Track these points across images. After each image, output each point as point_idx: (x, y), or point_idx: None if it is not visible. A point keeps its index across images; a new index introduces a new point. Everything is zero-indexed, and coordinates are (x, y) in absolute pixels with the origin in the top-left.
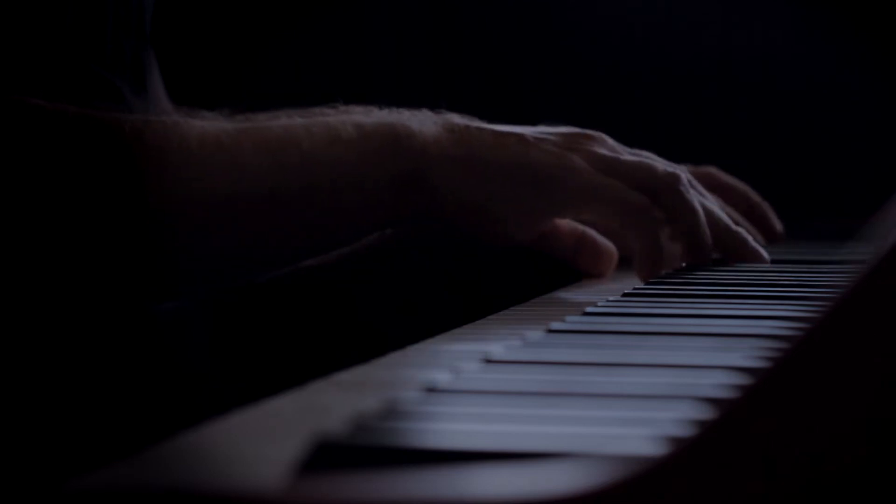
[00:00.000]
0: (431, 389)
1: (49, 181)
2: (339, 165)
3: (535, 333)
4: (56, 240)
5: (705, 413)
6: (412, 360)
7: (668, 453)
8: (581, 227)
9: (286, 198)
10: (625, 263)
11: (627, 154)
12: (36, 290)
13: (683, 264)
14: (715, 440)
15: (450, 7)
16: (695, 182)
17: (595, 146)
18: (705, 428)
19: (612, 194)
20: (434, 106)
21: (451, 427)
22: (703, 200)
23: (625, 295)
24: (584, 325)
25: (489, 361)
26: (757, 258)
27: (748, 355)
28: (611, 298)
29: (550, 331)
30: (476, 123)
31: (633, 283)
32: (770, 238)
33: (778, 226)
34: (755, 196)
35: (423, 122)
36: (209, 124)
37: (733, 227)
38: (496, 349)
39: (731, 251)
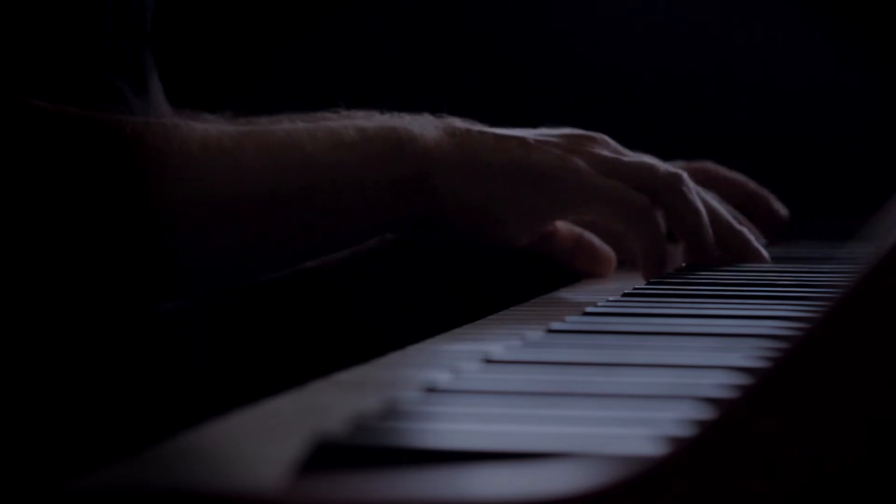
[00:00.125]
0: (431, 389)
1: (50, 182)
2: (340, 168)
3: (535, 333)
4: (56, 240)
5: (705, 413)
6: (412, 360)
7: (668, 453)
8: (579, 230)
9: (287, 200)
10: (624, 264)
11: (628, 155)
12: (36, 290)
13: (683, 264)
14: (715, 440)
15: (450, 7)
16: (697, 188)
17: (596, 148)
18: (705, 428)
19: (614, 195)
20: (434, 107)
21: (451, 427)
22: (707, 198)
23: (625, 295)
24: (584, 325)
25: (489, 361)
26: (758, 258)
27: (748, 355)
28: (611, 298)
29: (550, 331)
30: (477, 127)
31: (633, 283)
32: (776, 223)
33: (782, 210)
34: (754, 185)
35: (424, 125)
36: (211, 127)
37: (736, 225)
38: (496, 349)
39: (733, 250)
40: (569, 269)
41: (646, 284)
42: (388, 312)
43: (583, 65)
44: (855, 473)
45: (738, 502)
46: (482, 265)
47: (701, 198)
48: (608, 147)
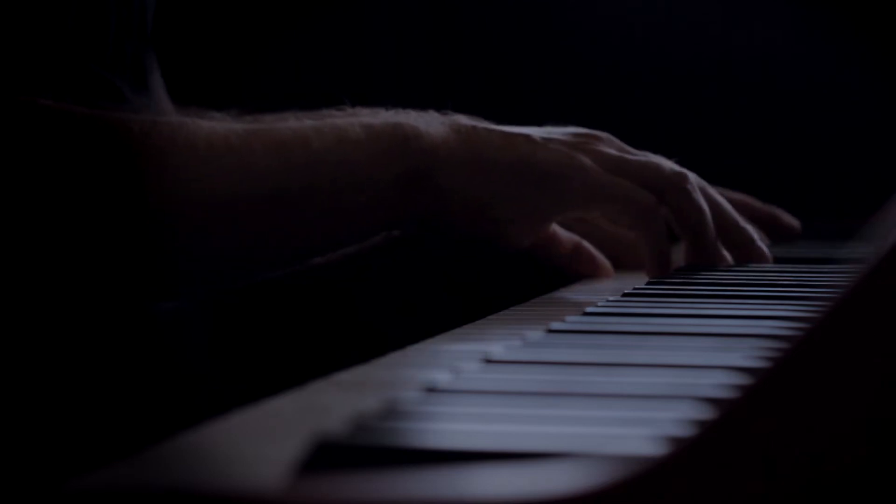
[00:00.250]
0: (431, 389)
1: (57, 182)
2: (345, 166)
3: (535, 333)
4: (59, 240)
5: (705, 413)
6: (412, 360)
7: (668, 453)
8: (577, 237)
9: (289, 199)
10: (623, 265)
11: (634, 154)
12: (36, 289)
13: (683, 264)
14: (715, 440)
15: (450, 7)
16: (703, 182)
17: (602, 146)
18: (705, 428)
19: (620, 193)
20: (436, 106)
21: (451, 427)
22: (714, 196)
23: (625, 295)
24: (584, 325)
25: (489, 361)
26: (762, 258)
27: (748, 355)
28: (611, 298)
29: (550, 331)
30: (483, 124)
31: (633, 283)
32: (789, 235)
33: (794, 222)
34: (758, 203)
35: (430, 122)
36: (218, 125)
37: (742, 222)
38: (496, 349)
39: (738, 247)
40: (567, 273)
41: (646, 284)
42: (388, 312)
43: (583, 65)
44: (855, 473)
45: (738, 502)
46: (482, 265)
47: (708, 194)
48: (614, 145)
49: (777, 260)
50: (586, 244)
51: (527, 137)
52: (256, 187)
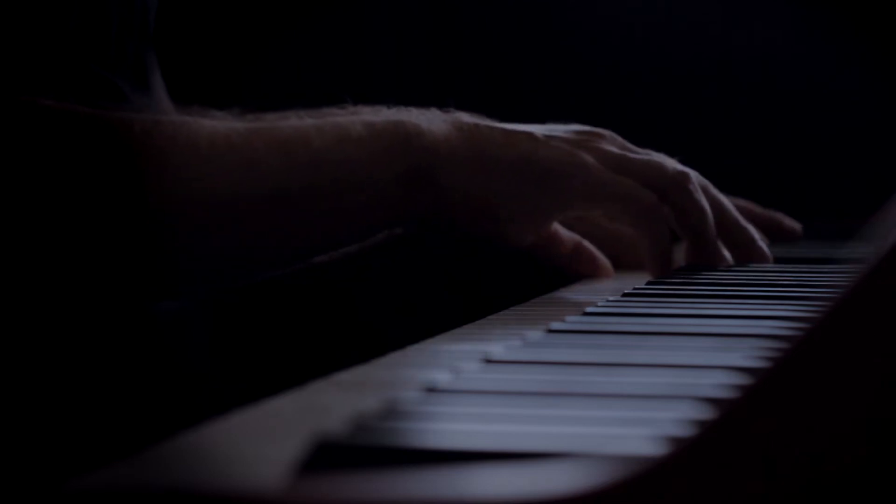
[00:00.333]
0: (431, 389)
1: (58, 181)
2: (346, 165)
3: (535, 333)
4: (63, 240)
5: (705, 413)
6: (412, 360)
7: (668, 453)
8: (578, 237)
9: (290, 199)
10: (623, 266)
11: (637, 152)
12: (37, 289)
13: (684, 263)
14: (715, 440)
15: (450, 7)
16: (705, 181)
17: (604, 144)
18: (705, 428)
19: (622, 191)
20: (436, 106)
21: (451, 427)
22: (716, 195)
23: (625, 295)
24: (584, 325)
25: (489, 361)
26: (763, 258)
27: (748, 355)
28: (611, 298)
29: (550, 331)
30: (485, 122)
31: (633, 283)
32: (793, 239)
33: (795, 225)
34: (759, 209)
35: (432, 120)
36: (219, 124)
37: (743, 222)
38: (496, 349)
39: (739, 247)
40: (568, 272)
41: (646, 284)
42: (388, 312)
43: (583, 65)
44: (855, 473)
45: (738, 502)
46: (482, 265)
47: (710, 193)
48: (616, 143)
49: (777, 260)
50: (587, 244)
51: (529, 135)
52: (258, 186)
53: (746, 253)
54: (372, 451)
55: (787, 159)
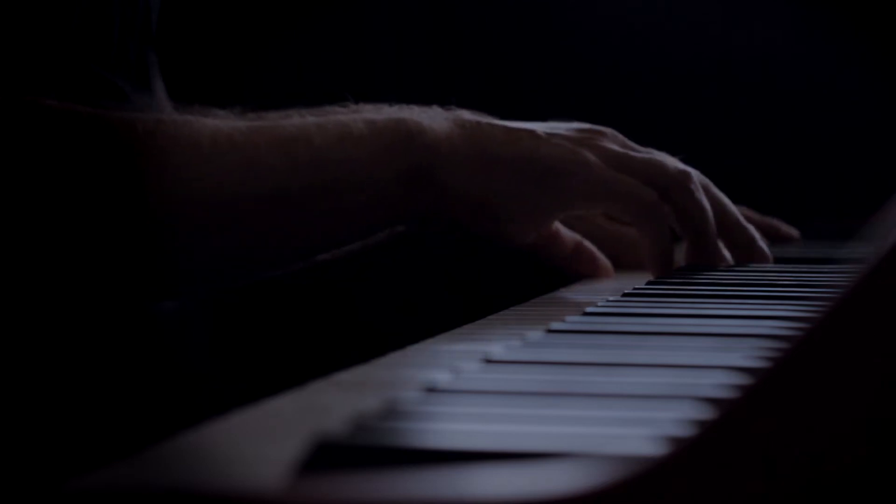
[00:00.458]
0: (431, 389)
1: (60, 181)
2: (347, 164)
3: (535, 333)
4: (65, 239)
5: (705, 413)
6: (412, 360)
7: (668, 453)
8: (579, 236)
9: (291, 198)
10: (623, 265)
11: (638, 151)
12: (37, 289)
13: (684, 263)
14: (715, 440)
15: (450, 7)
16: (706, 180)
17: (606, 142)
18: (705, 428)
19: (624, 190)
20: (439, 105)
21: (451, 427)
22: (717, 195)
23: (625, 295)
24: (584, 325)
25: (489, 361)
26: (763, 258)
27: (748, 355)
28: (611, 298)
29: (550, 331)
30: (487, 119)
31: (633, 283)
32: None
33: (793, 232)
34: (757, 215)
35: (433, 118)
36: (222, 122)
37: (744, 222)
38: (496, 349)
39: (739, 246)
40: (568, 272)
41: (646, 284)
42: (388, 312)
43: (583, 65)
44: (855, 473)
45: (738, 502)
46: (482, 265)
47: (711, 193)
48: (617, 141)
49: (777, 260)
50: (587, 243)
51: (530, 133)
52: (259, 185)
53: (747, 253)
54: (372, 451)
55: (786, 159)
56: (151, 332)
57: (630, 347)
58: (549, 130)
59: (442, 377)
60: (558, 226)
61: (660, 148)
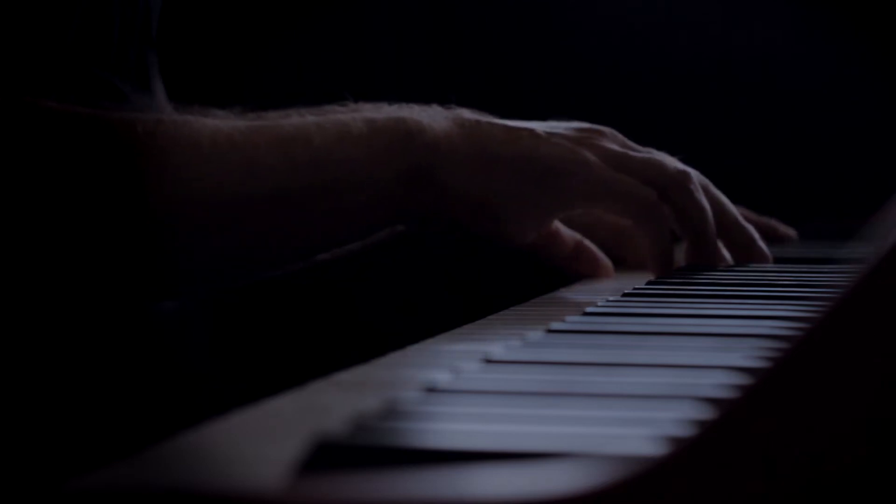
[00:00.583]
0: (431, 389)
1: (60, 181)
2: (347, 164)
3: (535, 333)
4: (65, 240)
5: (705, 413)
6: (412, 360)
7: (668, 453)
8: (579, 236)
9: (291, 199)
10: (623, 264)
11: (638, 150)
12: (37, 289)
13: (684, 263)
14: (715, 440)
15: (450, 7)
16: (706, 180)
17: (605, 141)
18: (705, 428)
19: (623, 189)
20: (439, 104)
21: (451, 427)
22: (717, 195)
23: (625, 295)
24: (584, 325)
25: (489, 361)
26: (763, 258)
27: (748, 355)
28: (611, 298)
29: (550, 331)
30: (486, 118)
31: (633, 283)
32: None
33: (790, 232)
34: (754, 215)
35: (433, 117)
36: (221, 122)
37: (743, 221)
38: (496, 349)
39: (739, 246)
40: (568, 272)
41: (646, 284)
42: (388, 312)
43: (583, 64)
44: (855, 473)
45: (738, 502)
46: (482, 265)
47: (710, 193)
48: (617, 141)
49: (777, 260)
50: (588, 243)
51: (530, 132)
52: (259, 185)
53: (746, 253)
54: (372, 451)
55: (786, 159)
56: (151, 332)
57: (630, 347)
58: (548, 130)
59: (442, 377)
60: (558, 225)
61: (660, 148)
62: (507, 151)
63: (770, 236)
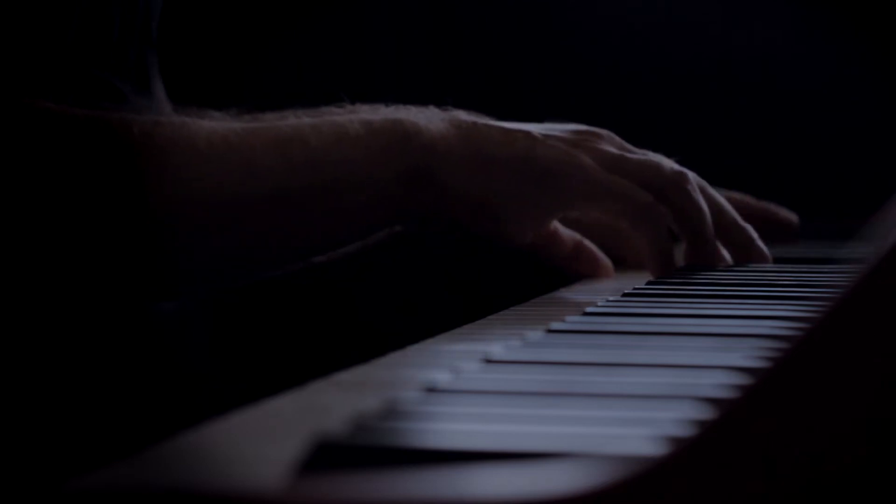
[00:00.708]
0: (431, 389)
1: (58, 183)
2: (344, 165)
3: (535, 333)
4: (63, 241)
5: (705, 413)
6: (412, 360)
7: (668, 453)
8: (579, 236)
9: (289, 199)
10: (623, 264)
11: (634, 152)
12: (37, 290)
13: (683, 264)
14: (715, 440)
15: (450, 7)
16: (703, 181)
17: (602, 144)
18: (705, 428)
19: (619, 192)
20: (437, 105)
21: (451, 427)
22: (714, 195)
23: (625, 295)
24: (584, 325)
25: (489, 361)
26: (762, 258)
27: (748, 355)
28: (611, 298)
29: (550, 331)
30: (483, 120)
31: (633, 283)
32: (789, 231)
33: (791, 217)
34: (753, 201)
35: (430, 118)
36: (218, 124)
37: (741, 221)
38: (496, 349)
39: (738, 246)
40: (568, 272)
41: (646, 284)
42: (388, 312)
43: (583, 65)
44: (855, 473)
45: (738, 502)
46: (482, 265)
47: (707, 193)
48: (614, 143)
49: (777, 260)
50: (587, 243)
51: (527, 134)
52: (257, 186)
53: (745, 252)
54: (372, 451)
55: (786, 159)
56: (151, 332)
57: (630, 347)
58: (544, 132)
59: (442, 377)
60: (557, 225)
61: (660, 147)
62: (504, 153)
63: (771, 220)
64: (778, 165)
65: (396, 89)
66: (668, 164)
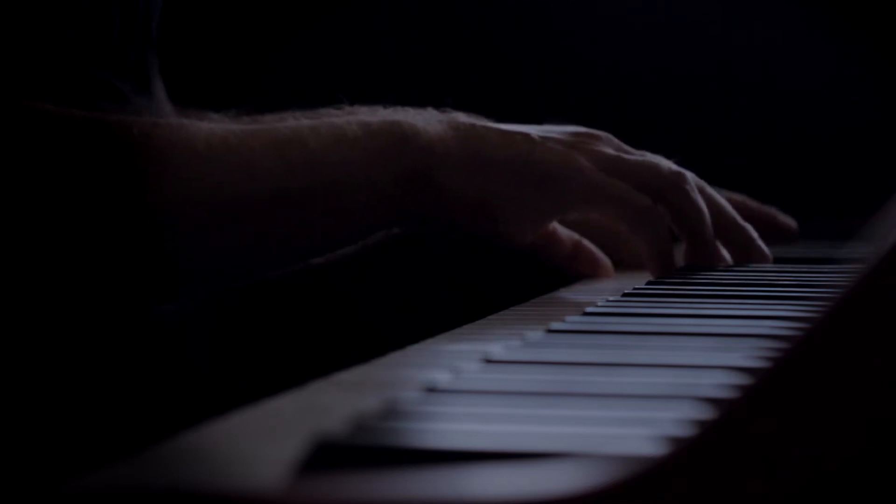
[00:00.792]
0: (431, 389)
1: (57, 184)
2: (343, 167)
3: (535, 333)
4: (63, 242)
5: (705, 413)
6: (412, 360)
7: (668, 453)
8: (578, 236)
9: (289, 199)
10: (623, 265)
11: (632, 154)
12: (37, 290)
13: (683, 264)
14: (715, 440)
15: (450, 7)
16: (702, 182)
17: (600, 146)
18: (705, 428)
19: (617, 194)
20: (436, 106)
21: (451, 427)
22: (713, 195)
23: (625, 295)
24: (584, 325)
25: (489, 361)
26: (762, 258)
27: (748, 355)
28: (611, 298)
29: (550, 331)
30: (481, 122)
31: (633, 283)
32: (787, 236)
33: (791, 222)
34: (754, 203)
35: (428, 120)
36: (217, 126)
37: (741, 221)
38: (496, 349)
39: (738, 246)
40: (568, 272)
41: (646, 284)
42: (388, 312)
43: (583, 65)
44: (855, 473)
45: (738, 502)
46: (482, 265)
47: (707, 193)
48: (612, 145)
49: (777, 260)
50: (587, 243)
51: (525, 136)
52: (256, 187)
53: (745, 252)
54: (372, 451)
55: (786, 159)
56: (151, 332)
57: (630, 347)
58: (543, 134)
59: (442, 377)
60: (556, 225)
61: (660, 148)
62: (502, 155)
63: (770, 224)
64: (778, 165)
65: (396, 90)
66: (667, 164)
